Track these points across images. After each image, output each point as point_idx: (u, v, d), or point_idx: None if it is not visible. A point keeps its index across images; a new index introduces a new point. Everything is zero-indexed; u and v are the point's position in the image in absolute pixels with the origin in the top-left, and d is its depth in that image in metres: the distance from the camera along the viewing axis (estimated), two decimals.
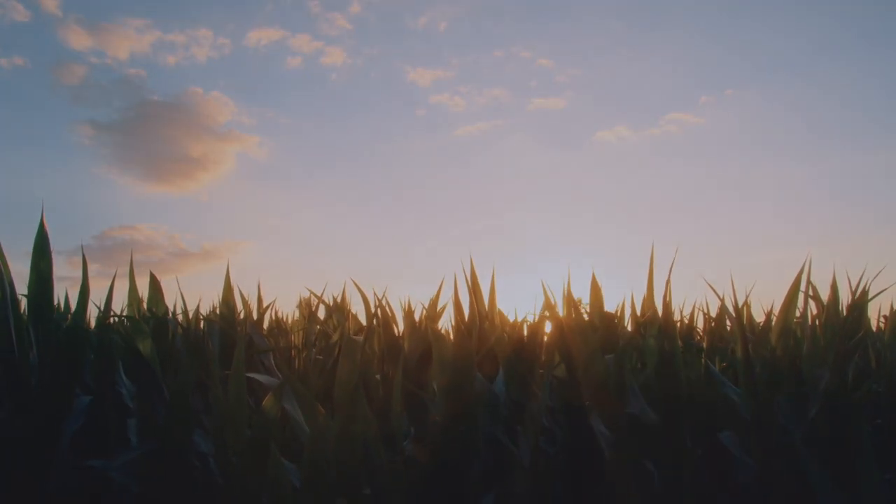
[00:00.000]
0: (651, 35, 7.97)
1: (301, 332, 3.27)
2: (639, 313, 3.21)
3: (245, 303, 3.36)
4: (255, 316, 3.44)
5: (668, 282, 2.32)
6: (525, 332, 2.70)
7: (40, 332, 2.12)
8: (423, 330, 2.81)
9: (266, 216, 8.50)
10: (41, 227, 2.07)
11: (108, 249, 7.10)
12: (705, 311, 3.50)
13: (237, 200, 8.51)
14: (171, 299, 3.00)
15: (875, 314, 3.62)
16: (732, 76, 8.03)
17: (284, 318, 4.04)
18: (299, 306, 4.66)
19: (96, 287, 3.83)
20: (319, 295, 3.29)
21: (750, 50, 7.80)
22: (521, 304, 3.35)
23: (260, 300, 3.63)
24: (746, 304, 3.18)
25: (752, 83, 7.95)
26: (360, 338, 2.21)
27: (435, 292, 3.28)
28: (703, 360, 2.73)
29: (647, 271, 2.56)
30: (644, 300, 2.63)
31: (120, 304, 2.91)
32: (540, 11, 7.95)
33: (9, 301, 2.06)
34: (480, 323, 2.64)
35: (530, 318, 3.02)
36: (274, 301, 3.78)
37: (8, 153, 7.80)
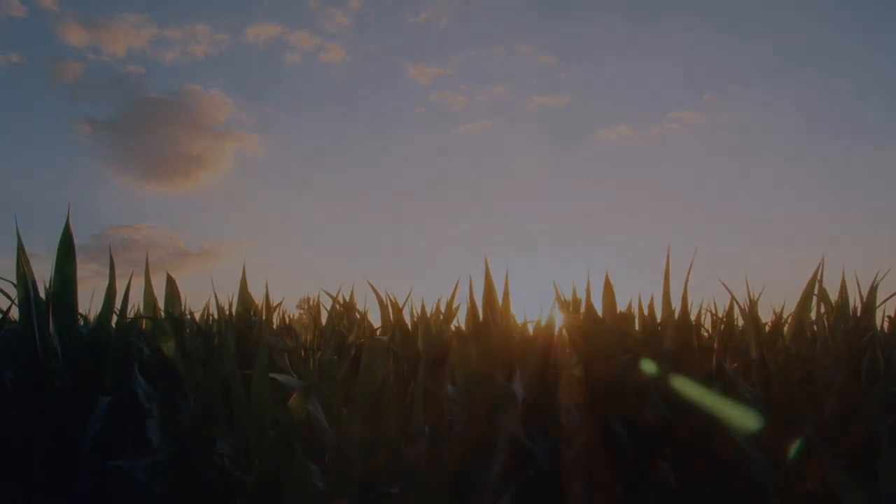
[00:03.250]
0: (653, 33, 7.99)
1: (315, 332, 3.27)
2: (646, 313, 3.24)
3: (254, 304, 3.36)
4: (263, 316, 3.44)
5: (686, 282, 2.34)
6: (540, 333, 2.73)
7: (64, 334, 2.12)
8: (437, 331, 2.83)
9: (265, 215, 8.48)
10: (66, 228, 2.07)
11: (107, 249, 7.05)
12: (712, 311, 3.53)
13: (236, 200, 8.49)
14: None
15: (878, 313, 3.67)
16: (736, 74, 8.04)
17: (291, 318, 4.05)
18: (307, 307, 4.67)
19: (99, 287, 3.81)
20: (335, 296, 3.29)
21: (753, 47, 7.82)
22: (523, 302, 3.37)
23: (268, 300, 3.64)
24: (751, 302, 3.21)
25: (755, 81, 7.96)
26: (385, 338, 2.23)
27: (441, 292, 3.29)
28: (713, 360, 2.76)
29: (664, 272, 2.58)
30: (662, 301, 2.65)
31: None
32: (542, 7, 7.94)
33: (32, 302, 2.05)
34: (498, 323, 2.66)
35: (536, 318, 3.04)
36: (282, 301, 3.78)
37: (5, 152, 7.74)
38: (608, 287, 2.90)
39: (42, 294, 2.31)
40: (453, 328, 3.00)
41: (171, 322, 2.38)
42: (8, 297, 2.53)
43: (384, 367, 2.21)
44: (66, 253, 2.08)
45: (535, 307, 3.75)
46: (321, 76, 8.32)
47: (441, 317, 3.28)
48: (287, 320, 3.93)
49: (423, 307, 3.02)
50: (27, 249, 2.15)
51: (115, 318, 2.55)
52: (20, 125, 8.06)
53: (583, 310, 2.90)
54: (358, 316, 3.40)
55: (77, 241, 2.25)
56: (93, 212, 7.45)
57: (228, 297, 3.39)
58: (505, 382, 2.51)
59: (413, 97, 8.51)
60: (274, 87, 8.61)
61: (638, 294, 3.27)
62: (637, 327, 3.27)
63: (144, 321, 3.14)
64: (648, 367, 2.65)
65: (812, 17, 7.50)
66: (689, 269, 2.34)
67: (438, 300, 3.36)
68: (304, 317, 4.52)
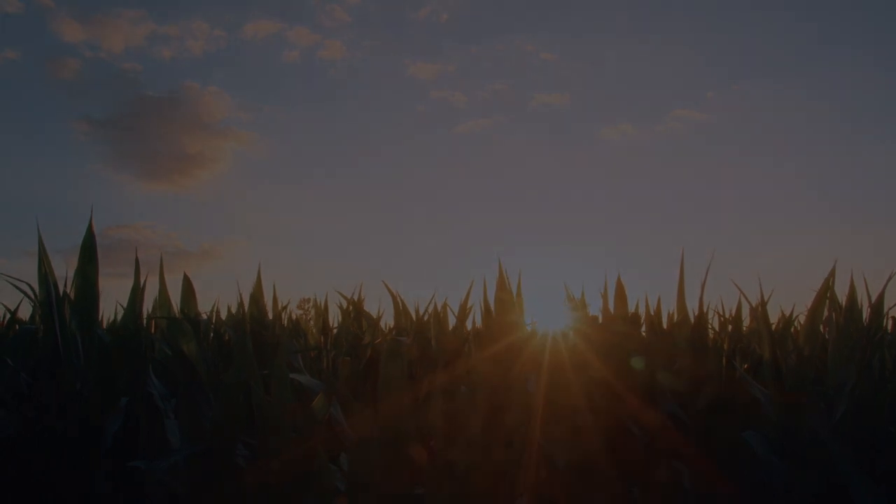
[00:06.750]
0: (656, 29, 7.98)
1: (323, 333, 3.28)
2: (652, 313, 3.26)
3: (263, 306, 3.35)
4: (270, 316, 3.44)
5: (703, 284, 2.37)
6: (553, 334, 2.75)
7: (85, 335, 2.12)
8: (452, 332, 2.84)
9: (263, 214, 8.46)
10: (89, 230, 2.06)
11: (106, 248, 7.01)
12: (719, 311, 3.56)
13: (235, 199, 8.46)
14: (177, 300, 3.00)
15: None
16: (738, 71, 8.03)
17: (298, 318, 4.04)
18: (307, 307, 4.66)
19: (103, 287, 3.78)
20: (348, 297, 3.30)
21: (756, 44, 7.82)
22: (528, 301, 3.38)
23: (276, 300, 3.63)
24: (763, 303, 3.24)
25: (758, 78, 7.96)
26: (405, 339, 2.24)
27: (441, 290, 3.27)
28: (723, 360, 2.78)
29: (678, 274, 2.60)
30: (677, 302, 2.68)
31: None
32: (544, 4, 7.92)
33: (54, 304, 2.05)
34: (512, 324, 2.68)
35: (543, 317, 3.05)
36: (289, 302, 3.78)
37: (1, 149, 7.68)
38: (620, 288, 2.92)
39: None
40: (467, 329, 3.01)
41: (191, 323, 2.38)
42: (25, 294, 2.52)
43: (404, 369, 2.23)
44: (88, 254, 2.08)
45: (540, 306, 3.76)
46: (320, 73, 8.29)
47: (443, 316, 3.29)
48: (294, 320, 3.93)
49: (434, 308, 3.03)
50: (25, 248, 2.15)
51: (128, 319, 2.54)
52: (16, 122, 8.01)
53: (591, 310, 2.93)
54: (367, 317, 3.41)
55: (75, 242, 2.25)
56: (89, 211, 7.39)
57: (229, 298, 3.38)
58: (519, 383, 2.52)
59: (413, 94, 8.49)
60: (272, 85, 8.59)
61: (645, 294, 3.28)
62: (644, 328, 3.29)
63: (154, 322, 3.14)
64: (662, 367, 2.67)
65: (817, 14, 7.51)
66: (707, 272, 2.36)
67: (445, 300, 3.37)
68: (306, 317, 4.51)
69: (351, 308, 3.32)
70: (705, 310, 3.19)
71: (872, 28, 7.45)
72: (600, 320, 2.84)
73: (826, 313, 2.68)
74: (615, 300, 2.94)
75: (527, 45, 8.14)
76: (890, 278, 2.76)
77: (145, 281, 2.51)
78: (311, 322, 4.15)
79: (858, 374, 2.43)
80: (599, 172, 8.42)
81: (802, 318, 3.03)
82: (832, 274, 2.51)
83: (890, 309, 2.82)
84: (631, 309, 3.15)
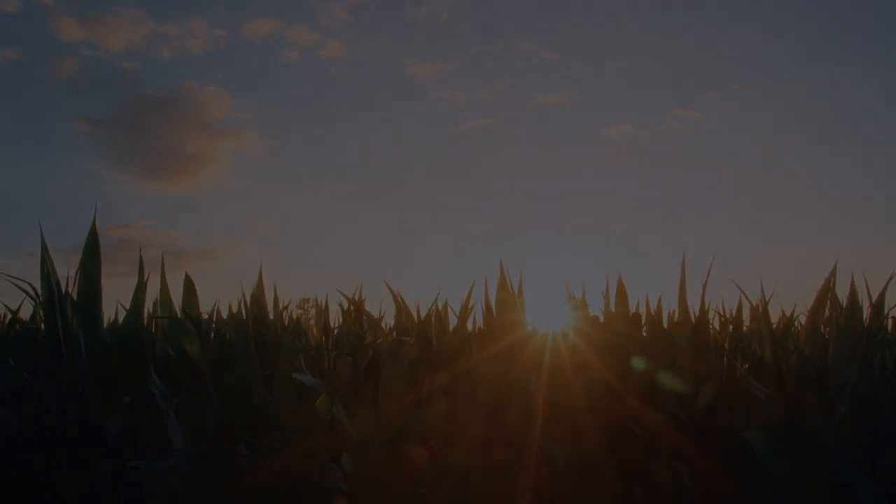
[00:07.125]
0: (656, 29, 7.97)
1: (323, 332, 3.28)
2: (653, 313, 3.26)
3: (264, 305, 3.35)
4: (271, 315, 3.44)
5: (704, 284, 2.37)
6: (553, 334, 2.75)
7: (88, 334, 2.12)
8: (453, 332, 2.84)
9: (263, 214, 8.45)
10: (93, 228, 2.06)
11: (106, 248, 6.99)
12: (720, 311, 3.56)
13: (235, 199, 8.45)
14: (177, 300, 3.01)
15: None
16: (738, 71, 8.03)
17: (299, 318, 4.04)
18: (306, 307, 4.66)
19: (105, 287, 3.77)
20: (351, 297, 3.30)
21: (756, 45, 7.82)
22: (528, 301, 3.37)
23: (276, 300, 3.63)
24: (764, 303, 3.24)
25: (758, 78, 7.96)
26: (408, 339, 2.24)
27: (442, 290, 3.28)
28: (724, 360, 2.78)
29: (680, 276, 2.61)
30: (679, 304, 2.68)
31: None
32: (544, 4, 7.91)
33: (56, 303, 2.05)
34: (513, 325, 2.68)
35: (543, 317, 3.06)
36: (290, 302, 3.78)
37: (2, 150, 7.68)
38: (621, 288, 2.93)
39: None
40: (468, 329, 3.02)
41: (193, 323, 2.38)
42: (27, 294, 2.52)
43: (405, 369, 2.23)
44: (91, 253, 2.08)
45: (541, 306, 3.76)
46: (320, 73, 8.29)
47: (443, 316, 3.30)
48: (295, 320, 3.93)
49: (435, 308, 3.03)
50: (25, 248, 2.15)
51: (131, 318, 2.53)
52: (16, 122, 8.00)
53: (592, 310, 2.93)
54: (368, 317, 3.41)
55: (75, 241, 2.26)
56: (90, 211, 7.37)
57: (229, 297, 3.38)
58: (521, 383, 2.53)
59: (413, 94, 8.48)
60: (272, 84, 8.58)
61: (645, 294, 3.28)
62: (644, 328, 3.29)
63: (155, 322, 3.14)
64: (663, 367, 2.68)
65: (817, 15, 7.51)
66: (708, 272, 2.36)
67: (446, 300, 3.37)
68: (306, 317, 4.51)
69: (352, 308, 3.32)
70: (706, 309, 3.20)
71: (872, 29, 7.46)
72: (601, 320, 2.85)
73: (827, 313, 2.68)
74: (616, 300, 2.94)
75: (527, 45, 8.14)
76: (890, 278, 2.77)
77: (146, 280, 2.52)
78: (312, 322, 4.15)
79: (859, 373, 2.44)
80: (599, 172, 8.41)
81: (803, 318, 3.04)
82: (833, 274, 2.52)
83: (890, 309, 2.83)
84: (632, 309, 3.16)
